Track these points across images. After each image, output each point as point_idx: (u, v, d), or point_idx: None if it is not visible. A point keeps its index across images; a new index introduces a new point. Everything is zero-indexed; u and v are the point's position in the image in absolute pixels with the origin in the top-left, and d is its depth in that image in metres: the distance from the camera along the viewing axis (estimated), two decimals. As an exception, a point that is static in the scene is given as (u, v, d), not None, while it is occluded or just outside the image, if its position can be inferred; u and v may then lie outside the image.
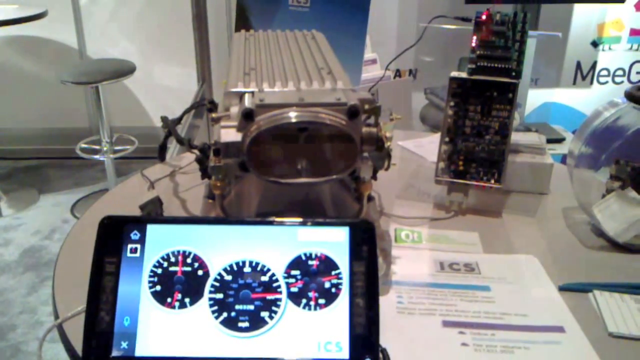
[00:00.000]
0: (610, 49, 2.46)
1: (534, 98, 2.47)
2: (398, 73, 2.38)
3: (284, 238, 0.46)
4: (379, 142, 0.53)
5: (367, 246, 0.46)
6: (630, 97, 0.66)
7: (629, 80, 2.51)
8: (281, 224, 0.47)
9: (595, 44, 2.45)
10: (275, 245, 0.46)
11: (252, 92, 0.53)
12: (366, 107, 0.53)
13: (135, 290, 0.45)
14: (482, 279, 0.61)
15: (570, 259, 0.66)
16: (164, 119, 0.80)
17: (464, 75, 0.71)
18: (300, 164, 0.52)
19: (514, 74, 0.70)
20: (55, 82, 2.10)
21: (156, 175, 0.83)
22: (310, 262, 0.45)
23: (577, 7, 2.35)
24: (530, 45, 2.09)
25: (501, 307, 0.57)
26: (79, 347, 0.50)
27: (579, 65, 2.49)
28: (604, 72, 2.50)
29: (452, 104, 0.72)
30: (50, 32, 2.57)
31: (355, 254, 0.46)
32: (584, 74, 2.50)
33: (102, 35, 2.60)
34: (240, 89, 0.54)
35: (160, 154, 0.86)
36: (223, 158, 0.53)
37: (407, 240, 0.69)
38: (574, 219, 0.74)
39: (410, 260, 0.64)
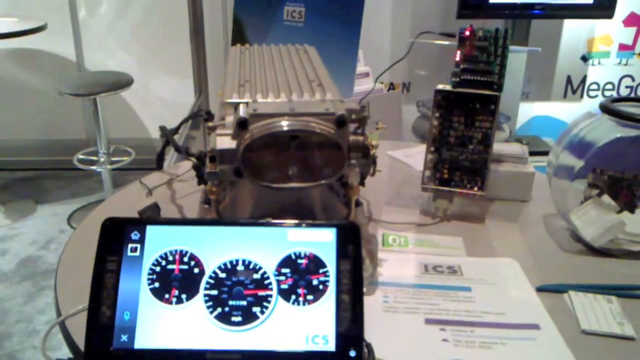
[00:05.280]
0: (599, 63, 2.51)
1: (525, 111, 2.51)
2: (392, 86, 2.42)
3: (275, 238, 0.49)
4: (365, 150, 0.56)
5: (352, 246, 0.49)
6: (605, 109, 0.70)
7: (618, 93, 2.56)
8: (272, 225, 0.50)
9: (585, 59, 2.50)
10: (266, 245, 0.49)
11: (247, 103, 0.57)
12: (353, 116, 0.57)
13: (135, 287, 0.48)
14: (464, 280, 0.64)
15: (548, 262, 0.69)
16: (162, 129, 0.83)
17: (448, 88, 0.75)
18: (291, 169, 0.55)
19: (495, 86, 0.73)
20: (54, 93, 2.13)
21: (154, 183, 0.86)
22: (299, 261, 0.49)
23: (567, 23, 2.41)
24: (521, 60, 2.13)
25: (481, 306, 0.60)
26: (80, 342, 0.53)
27: (569, 80, 2.54)
28: (594, 86, 2.55)
29: (437, 115, 0.76)
30: (49, 44, 2.60)
31: (341, 253, 0.49)
32: (574, 88, 2.55)
33: (100, 47, 2.64)
34: (235, 99, 0.58)
35: (158, 162, 0.89)
36: (218, 164, 0.56)
37: (394, 245, 0.72)
38: (553, 225, 0.77)
39: (396, 262, 0.67)
